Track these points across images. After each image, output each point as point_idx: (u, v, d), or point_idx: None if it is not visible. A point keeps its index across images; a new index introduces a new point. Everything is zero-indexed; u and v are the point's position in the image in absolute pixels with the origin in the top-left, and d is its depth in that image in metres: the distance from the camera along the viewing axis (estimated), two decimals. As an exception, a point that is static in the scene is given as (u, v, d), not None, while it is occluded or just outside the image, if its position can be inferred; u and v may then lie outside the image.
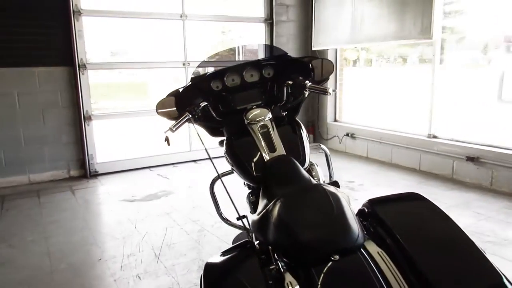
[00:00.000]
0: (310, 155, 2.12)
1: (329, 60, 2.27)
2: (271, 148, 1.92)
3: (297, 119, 2.24)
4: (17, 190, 4.23)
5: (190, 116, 2.00)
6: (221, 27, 6.11)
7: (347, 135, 5.59)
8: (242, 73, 2.22)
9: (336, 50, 5.75)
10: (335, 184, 2.51)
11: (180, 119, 1.98)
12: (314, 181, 1.78)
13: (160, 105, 2.07)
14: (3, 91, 4.26)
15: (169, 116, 2.09)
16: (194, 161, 5.20)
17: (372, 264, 1.11)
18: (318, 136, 6.15)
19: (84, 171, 4.71)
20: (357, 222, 1.23)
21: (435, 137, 4.50)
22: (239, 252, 1.30)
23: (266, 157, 1.89)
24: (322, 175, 2.20)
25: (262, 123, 2.02)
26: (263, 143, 1.94)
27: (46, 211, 3.61)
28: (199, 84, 2.20)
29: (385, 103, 5.68)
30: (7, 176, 4.35)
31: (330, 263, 1.10)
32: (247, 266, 1.22)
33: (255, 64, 2.25)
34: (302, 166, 1.91)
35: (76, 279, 2.43)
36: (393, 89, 5.69)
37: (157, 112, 2.07)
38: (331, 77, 5.78)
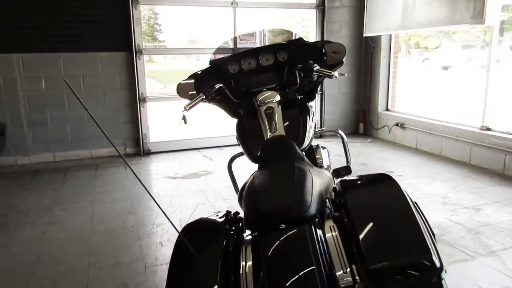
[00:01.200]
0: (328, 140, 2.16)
1: (341, 44, 2.28)
2: (273, 128, 2.00)
3: (307, 103, 2.28)
4: (79, 163, 4.73)
5: (204, 96, 2.15)
6: (276, 14, 6.17)
7: (397, 125, 5.41)
8: (258, 57, 2.31)
9: (390, 36, 5.55)
10: (347, 169, 2.54)
11: (194, 99, 2.14)
12: (305, 161, 1.84)
13: (180, 86, 2.25)
14: (72, 73, 4.75)
15: (188, 96, 2.26)
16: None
17: (319, 237, 1.17)
18: (368, 125, 6.02)
19: (139, 149, 5.12)
20: (315, 197, 1.29)
21: (488, 129, 4.22)
22: (216, 219, 1.43)
23: (267, 137, 1.98)
24: (327, 159, 2.23)
25: (268, 105, 2.11)
26: (266, 123, 2.02)
27: (99, 182, 4.02)
28: (217, 67, 2.33)
29: (438, 92, 5.40)
30: (72, 150, 4.88)
31: (277, 231, 1.19)
32: (214, 230, 1.35)
33: (271, 48, 2.33)
34: (300, 147, 1.97)
35: (109, 241, 2.73)
36: (447, 77, 5.39)
37: (177, 93, 2.25)
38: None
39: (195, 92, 2.25)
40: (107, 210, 3.26)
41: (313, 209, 1.24)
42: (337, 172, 2.50)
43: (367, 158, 4.76)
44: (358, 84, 6.02)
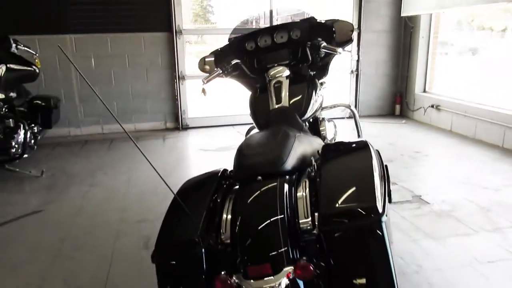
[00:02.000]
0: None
1: (348, 22, 2.40)
2: (278, 100, 2.18)
3: (316, 79, 2.42)
4: (123, 135, 5.16)
5: (221, 71, 2.38)
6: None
7: (432, 106, 5.33)
8: (273, 34, 2.47)
9: (431, 16, 5.42)
10: None
11: (212, 73, 2.37)
12: (303, 130, 2.00)
13: (202, 61, 2.48)
14: (118, 52, 5.14)
15: (208, 71, 2.50)
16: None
17: (290, 189, 1.35)
18: (404, 107, 5.96)
19: (178, 124, 5.47)
20: (292, 156, 1.46)
21: (523, 112, 4.10)
22: (212, 174, 1.65)
23: (272, 108, 2.17)
24: (332, 131, 2.37)
25: (277, 79, 2.29)
26: (273, 96, 2.21)
27: (138, 152, 4.39)
28: (235, 44, 2.53)
29: (476, 73, 5.23)
30: (117, 124, 5.31)
31: (253, 182, 1.38)
32: (206, 185, 1.57)
33: (285, 27, 2.48)
34: (302, 117, 2.12)
35: (139, 202, 3.07)
36: (488, 58, 5.20)
37: (199, 67, 2.49)
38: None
39: (213, 65, 2.49)
40: (141, 177, 3.61)
41: (288, 165, 1.41)
42: None
43: (397, 139, 4.77)
44: (395, 65, 5.95)
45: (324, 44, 2.25)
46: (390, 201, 1.36)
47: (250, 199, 1.35)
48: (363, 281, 1.19)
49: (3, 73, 3.11)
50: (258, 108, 2.27)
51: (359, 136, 2.84)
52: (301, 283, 1.19)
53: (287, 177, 1.41)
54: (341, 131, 2.56)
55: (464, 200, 2.97)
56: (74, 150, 4.50)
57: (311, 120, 2.35)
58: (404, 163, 3.83)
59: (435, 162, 3.91)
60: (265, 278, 1.15)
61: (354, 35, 2.39)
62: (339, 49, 2.25)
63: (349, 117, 5.98)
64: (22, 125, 3.65)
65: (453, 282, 2.01)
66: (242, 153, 1.50)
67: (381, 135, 4.98)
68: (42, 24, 4.85)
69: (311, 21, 2.49)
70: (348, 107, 2.80)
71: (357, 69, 5.83)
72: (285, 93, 2.21)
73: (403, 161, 3.91)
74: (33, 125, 4.03)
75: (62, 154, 4.40)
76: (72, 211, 2.92)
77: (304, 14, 2.69)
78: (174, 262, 1.27)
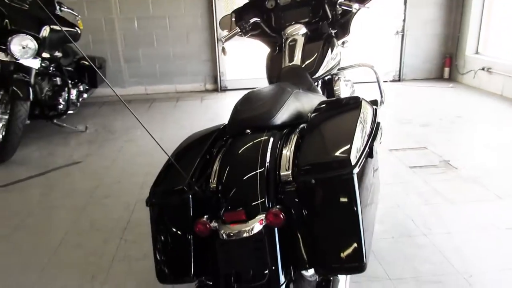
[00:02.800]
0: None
1: None
2: (291, 59, 2.17)
3: (334, 37, 2.36)
4: (165, 96, 5.37)
5: (239, 30, 2.40)
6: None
7: (483, 69, 4.97)
8: None
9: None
10: (374, 102, 2.59)
11: (231, 31, 2.41)
12: (312, 87, 2.00)
13: (222, 20, 2.52)
14: (159, 14, 5.27)
15: (228, 29, 2.53)
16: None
17: (275, 144, 1.39)
18: (454, 70, 5.60)
19: (217, 85, 5.57)
20: (283, 111, 1.48)
21: None
22: (212, 129, 1.72)
23: (284, 66, 2.17)
24: (347, 90, 2.34)
25: (293, 37, 2.28)
26: (287, 54, 2.21)
27: (176, 112, 4.58)
28: (256, 2, 2.52)
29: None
30: (159, 85, 5.53)
31: (241, 135, 1.44)
32: (206, 138, 1.64)
33: None
34: (313, 75, 2.11)
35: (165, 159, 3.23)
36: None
37: (219, 26, 2.53)
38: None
39: (233, 23, 2.51)
40: (173, 135, 3.79)
41: (277, 120, 1.44)
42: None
43: (440, 103, 4.55)
44: (446, 25, 5.56)
45: (340, 0, 2.18)
46: (371, 157, 1.36)
47: (235, 151, 1.40)
48: (331, 231, 1.22)
49: (47, 34, 3.33)
50: (272, 66, 2.28)
51: (381, 96, 2.77)
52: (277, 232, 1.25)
53: (276, 131, 1.44)
54: (367, 93, 2.52)
55: (496, 167, 2.83)
56: (116, 109, 4.77)
57: (326, 79, 2.33)
58: (440, 128, 3.67)
59: (475, 127, 3.70)
60: (239, 224, 1.21)
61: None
62: (355, 5, 2.18)
63: (393, 81, 5.77)
64: (68, 83, 3.93)
65: (461, 246, 1.97)
66: (236, 108, 1.54)
67: (424, 100, 4.76)
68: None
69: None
70: (371, 67, 2.72)
71: (402, 30, 5.53)
72: (298, 51, 2.20)
73: (440, 125, 3.74)
74: (79, 83, 4.32)
75: (106, 112, 4.69)
76: (107, 163, 3.16)
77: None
78: (163, 207, 1.36)
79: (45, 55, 3.54)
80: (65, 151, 3.48)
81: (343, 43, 2.63)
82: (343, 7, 2.21)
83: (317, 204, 1.25)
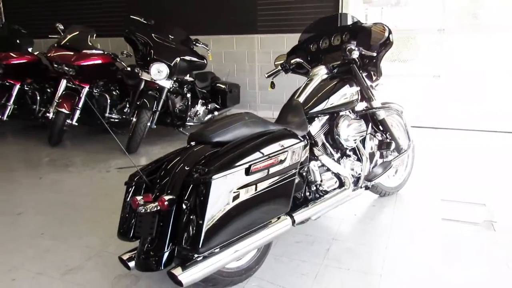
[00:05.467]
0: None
1: (381, 24, 2.49)
2: (298, 95, 2.53)
3: (353, 81, 2.58)
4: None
5: (280, 68, 2.91)
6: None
7: None
8: (331, 38, 2.79)
9: None
10: (388, 144, 2.68)
11: (273, 69, 2.94)
12: (301, 120, 2.30)
13: (277, 58, 3.04)
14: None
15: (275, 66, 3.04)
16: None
17: (198, 154, 1.88)
18: None
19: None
20: (226, 133, 1.92)
21: None
22: None
23: (291, 99, 2.55)
24: (348, 130, 2.48)
25: (312, 76, 2.64)
26: (299, 90, 2.58)
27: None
28: (303, 45, 2.97)
29: None
30: (283, 111, 6.20)
31: (188, 146, 1.96)
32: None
33: (340, 30, 2.74)
34: (310, 110, 2.40)
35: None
36: None
37: (274, 62, 3.05)
38: None
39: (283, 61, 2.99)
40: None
41: (213, 138, 1.90)
42: (381, 145, 2.71)
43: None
44: None
45: (350, 47, 2.44)
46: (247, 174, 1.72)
47: (174, 157, 1.94)
48: (187, 220, 1.68)
49: (177, 63, 4.39)
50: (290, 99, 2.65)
51: (409, 140, 2.80)
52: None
53: (209, 146, 1.91)
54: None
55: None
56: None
57: (330, 116, 2.54)
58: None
59: None
60: (148, 204, 1.75)
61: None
62: (353, 55, 2.39)
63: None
64: (197, 102, 5.00)
65: None
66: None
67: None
68: (237, 26, 6.17)
69: (355, 26, 2.67)
70: (398, 113, 2.77)
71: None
72: (308, 89, 2.56)
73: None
74: (210, 103, 5.35)
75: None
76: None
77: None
78: (128, 187, 1.96)
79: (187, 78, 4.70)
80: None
81: (376, 85, 2.79)
82: (363, 53, 2.45)
83: (190, 197, 1.71)
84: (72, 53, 4.58)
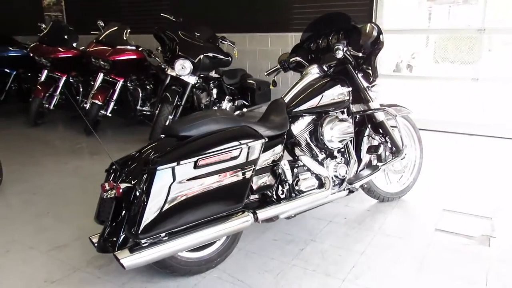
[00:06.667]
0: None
1: (372, 24, 2.43)
2: (287, 93, 2.55)
3: (344, 81, 2.55)
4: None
5: (279, 66, 2.94)
6: None
7: None
8: (329, 37, 2.77)
9: None
10: (376, 147, 2.61)
11: (273, 67, 2.97)
12: (282, 118, 2.32)
13: (281, 56, 3.07)
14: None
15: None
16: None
17: (164, 146, 1.98)
18: None
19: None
20: (194, 128, 1.99)
21: None
22: None
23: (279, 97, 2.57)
24: (332, 131, 2.44)
25: (303, 76, 2.64)
26: (288, 89, 2.59)
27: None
28: (303, 44, 2.97)
29: None
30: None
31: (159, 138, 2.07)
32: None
33: (335, 31, 2.72)
34: (293, 109, 2.40)
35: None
36: None
37: (278, 60, 3.08)
38: None
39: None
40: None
41: (182, 132, 1.97)
42: (369, 148, 2.66)
43: None
44: None
45: (337, 46, 2.42)
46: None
47: (149, 148, 2.04)
48: (135, 208, 1.79)
49: (201, 59, 4.52)
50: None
51: (401, 145, 2.70)
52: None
53: (175, 139, 1.99)
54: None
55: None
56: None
57: (324, 114, 2.51)
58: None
59: None
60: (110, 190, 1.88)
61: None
62: (338, 54, 2.36)
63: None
64: (224, 97, 5.13)
65: None
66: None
67: None
68: (272, 25, 6.19)
69: (349, 26, 2.62)
70: (394, 116, 2.67)
71: None
72: (296, 88, 2.56)
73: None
74: (237, 99, 5.45)
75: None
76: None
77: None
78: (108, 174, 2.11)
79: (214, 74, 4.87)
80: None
81: (372, 86, 2.72)
82: (351, 53, 2.42)
83: (140, 186, 1.81)
84: (107, 48, 4.90)
